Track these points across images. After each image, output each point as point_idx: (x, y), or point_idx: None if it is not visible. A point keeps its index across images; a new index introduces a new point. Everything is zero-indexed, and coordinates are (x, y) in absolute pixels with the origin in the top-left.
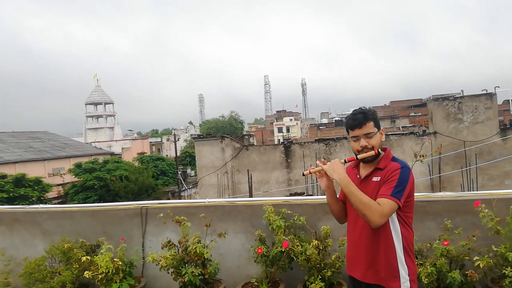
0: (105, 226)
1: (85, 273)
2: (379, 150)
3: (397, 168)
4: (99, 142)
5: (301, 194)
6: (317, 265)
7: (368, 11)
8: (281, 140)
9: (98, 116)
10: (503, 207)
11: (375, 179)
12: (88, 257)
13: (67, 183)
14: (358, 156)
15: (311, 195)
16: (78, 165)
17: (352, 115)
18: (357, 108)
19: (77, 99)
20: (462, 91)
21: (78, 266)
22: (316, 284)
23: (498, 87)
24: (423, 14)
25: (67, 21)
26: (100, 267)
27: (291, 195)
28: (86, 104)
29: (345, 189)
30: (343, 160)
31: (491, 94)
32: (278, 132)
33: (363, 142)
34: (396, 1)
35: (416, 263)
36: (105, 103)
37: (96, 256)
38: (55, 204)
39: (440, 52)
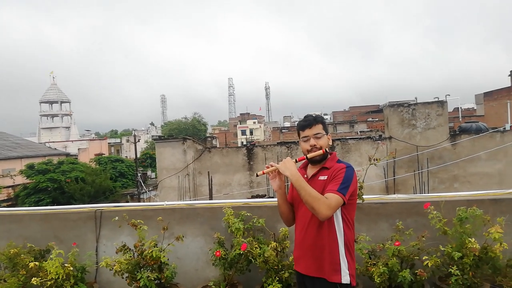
0: (56, 231)
1: (32, 279)
2: (327, 150)
3: (342, 168)
4: (54, 142)
5: (263, 196)
6: (275, 267)
7: (324, 19)
8: (245, 143)
9: (53, 115)
10: (450, 208)
11: (321, 177)
12: (37, 263)
13: (18, 185)
14: (308, 155)
15: (272, 197)
16: (31, 166)
17: (304, 118)
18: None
19: (32, 96)
20: (416, 98)
21: (25, 273)
22: (274, 286)
23: (449, 95)
24: (377, 24)
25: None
26: (50, 273)
27: (252, 197)
28: (40, 103)
29: (296, 184)
30: (294, 160)
31: (442, 102)
32: (242, 135)
33: (312, 141)
34: (352, 10)
35: (369, 263)
36: (61, 102)
37: (45, 261)
38: (4, 207)
39: (392, 60)
